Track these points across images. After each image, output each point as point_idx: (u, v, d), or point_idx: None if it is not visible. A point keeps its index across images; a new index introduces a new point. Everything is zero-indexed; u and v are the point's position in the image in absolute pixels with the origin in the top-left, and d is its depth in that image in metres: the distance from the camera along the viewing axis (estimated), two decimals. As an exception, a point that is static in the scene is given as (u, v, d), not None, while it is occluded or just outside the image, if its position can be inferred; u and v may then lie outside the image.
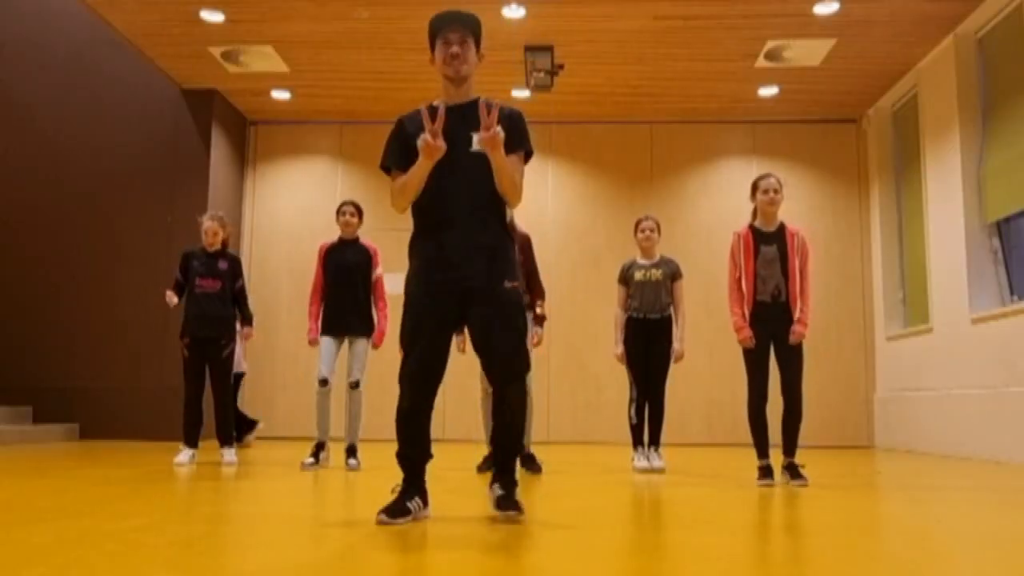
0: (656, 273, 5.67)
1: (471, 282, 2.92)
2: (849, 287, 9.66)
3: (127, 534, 2.49)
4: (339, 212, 5.82)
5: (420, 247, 3.03)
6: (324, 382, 5.50)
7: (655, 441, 5.63)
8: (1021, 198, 6.79)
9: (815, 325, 9.57)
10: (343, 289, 5.61)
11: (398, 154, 3.08)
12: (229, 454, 5.65)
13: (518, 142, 3.06)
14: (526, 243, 5.49)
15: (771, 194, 4.72)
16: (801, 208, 9.78)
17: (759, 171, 9.79)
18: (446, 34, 3.08)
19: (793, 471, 4.58)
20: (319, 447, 5.60)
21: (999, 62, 7.24)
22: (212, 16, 7.60)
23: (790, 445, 4.67)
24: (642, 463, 5.51)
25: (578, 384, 9.52)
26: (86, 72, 9.57)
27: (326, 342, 5.57)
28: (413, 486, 2.95)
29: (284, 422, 9.72)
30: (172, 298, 5.57)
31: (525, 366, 3.01)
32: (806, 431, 9.67)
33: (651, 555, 2.28)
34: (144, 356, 9.01)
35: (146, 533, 2.52)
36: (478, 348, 2.98)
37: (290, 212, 10.08)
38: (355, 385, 5.53)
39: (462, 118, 3.02)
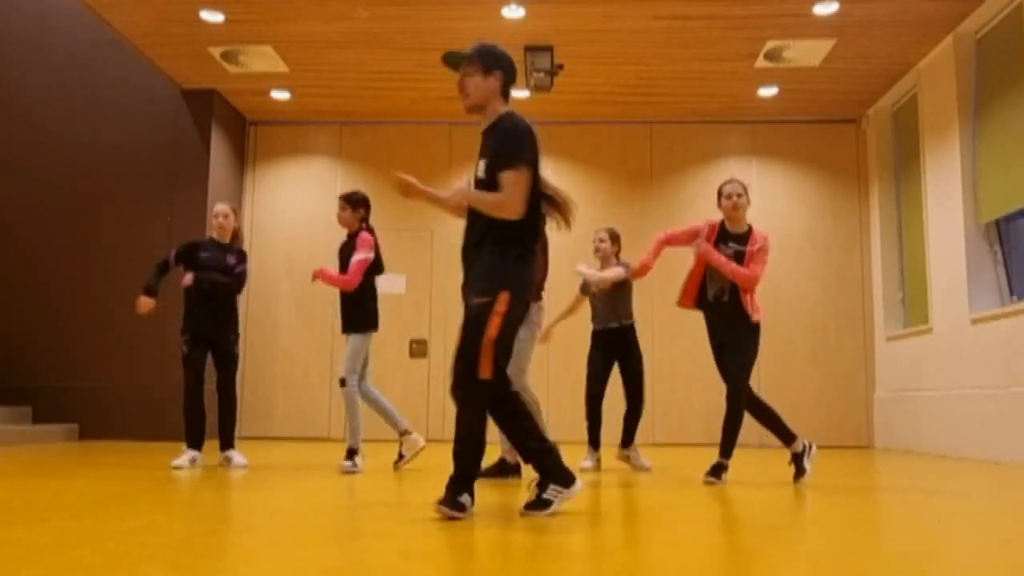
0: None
1: None
2: (849, 287, 9.67)
3: (127, 534, 2.49)
4: (371, 208, 5.62)
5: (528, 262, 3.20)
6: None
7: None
8: (1020, 198, 6.79)
9: (815, 325, 9.63)
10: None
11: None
12: (239, 457, 5.54)
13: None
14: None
15: (735, 198, 4.75)
16: (801, 208, 9.79)
17: (759, 171, 9.87)
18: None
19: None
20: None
21: (999, 62, 7.24)
22: (212, 16, 7.60)
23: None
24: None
25: (578, 384, 9.50)
26: (86, 72, 9.57)
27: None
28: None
29: (283, 422, 9.72)
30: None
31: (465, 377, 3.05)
32: (805, 431, 9.68)
33: (646, 556, 2.29)
34: (143, 356, 9.01)
35: (146, 533, 2.52)
36: None
37: (290, 212, 10.08)
38: (342, 383, 5.33)
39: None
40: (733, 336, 4.71)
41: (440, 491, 3.02)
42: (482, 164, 3.17)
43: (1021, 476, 5.27)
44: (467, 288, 3.14)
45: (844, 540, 2.57)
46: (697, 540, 2.55)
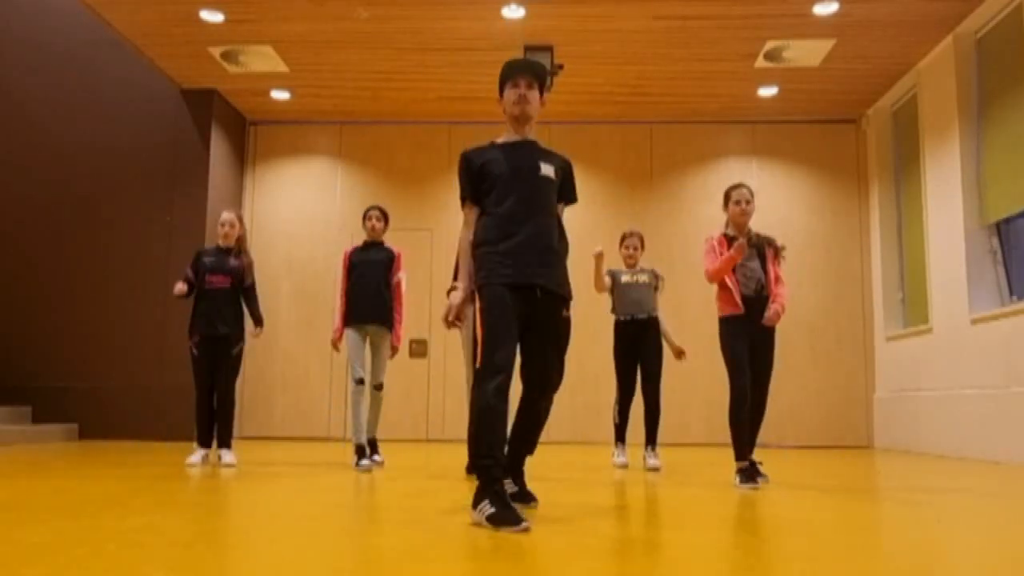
0: (643, 277, 5.98)
1: (546, 284, 3.21)
2: (849, 287, 9.67)
3: (127, 534, 2.49)
4: (366, 217, 5.93)
5: (498, 256, 3.20)
6: (361, 381, 5.61)
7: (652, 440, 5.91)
8: (1020, 198, 6.80)
9: (815, 325, 9.63)
10: (364, 282, 5.73)
11: (472, 187, 3.31)
12: (228, 456, 5.63)
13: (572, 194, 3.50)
14: None
15: (743, 204, 4.71)
16: (800, 208, 9.79)
17: (759, 171, 9.87)
18: (516, 79, 3.36)
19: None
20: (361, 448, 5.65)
21: (999, 62, 7.24)
22: (212, 16, 7.60)
23: (753, 444, 4.71)
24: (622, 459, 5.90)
25: (577, 384, 9.51)
26: (86, 72, 9.57)
27: (354, 338, 5.67)
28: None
29: (283, 422, 9.72)
30: (181, 288, 5.63)
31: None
32: (805, 431, 9.67)
33: (646, 555, 2.29)
34: (143, 356, 9.01)
35: (146, 533, 2.52)
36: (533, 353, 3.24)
37: (290, 212, 10.08)
38: (379, 387, 5.72)
39: (523, 153, 3.32)
40: (765, 337, 4.61)
41: (436, 491, 3.01)
42: (543, 166, 3.31)
43: (1021, 476, 5.27)
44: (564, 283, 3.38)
45: (844, 540, 2.57)
46: (697, 540, 2.55)
